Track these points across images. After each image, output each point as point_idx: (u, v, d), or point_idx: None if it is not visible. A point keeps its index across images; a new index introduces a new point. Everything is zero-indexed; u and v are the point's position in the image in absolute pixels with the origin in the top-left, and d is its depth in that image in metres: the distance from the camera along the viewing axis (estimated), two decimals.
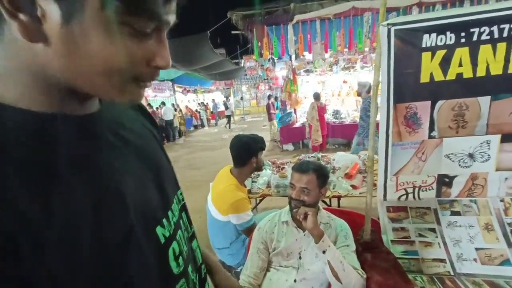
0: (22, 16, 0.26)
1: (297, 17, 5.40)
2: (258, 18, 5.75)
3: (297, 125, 6.80)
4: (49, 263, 0.26)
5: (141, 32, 0.30)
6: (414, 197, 1.28)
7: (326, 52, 6.04)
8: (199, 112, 13.57)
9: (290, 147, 6.88)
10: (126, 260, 0.34)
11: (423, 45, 1.10)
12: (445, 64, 1.10)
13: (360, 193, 2.19)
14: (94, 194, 0.32)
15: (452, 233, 1.21)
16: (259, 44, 5.92)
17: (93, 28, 0.28)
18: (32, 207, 0.26)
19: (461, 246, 1.19)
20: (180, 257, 0.44)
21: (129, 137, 0.42)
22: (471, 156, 1.19)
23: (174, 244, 0.43)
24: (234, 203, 1.54)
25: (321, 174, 1.24)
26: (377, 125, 1.20)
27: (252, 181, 2.54)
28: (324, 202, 2.60)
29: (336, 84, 7.27)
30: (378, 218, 1.40)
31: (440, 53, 1.09)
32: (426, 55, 1.10)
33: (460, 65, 1.08)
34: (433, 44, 1.09)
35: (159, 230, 0.40)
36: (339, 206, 2.57)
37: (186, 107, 13.33)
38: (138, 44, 0.31)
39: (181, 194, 0.53)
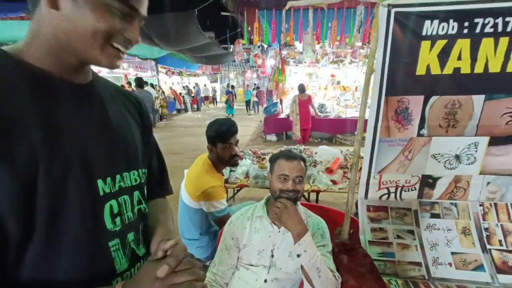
0: None
1: (290, 3, 5.16)
2: (250, 0, 5.46)
3: (282, 116, 6.70)
4: None
5: (120, 13, 0.47)
6: (396, 197, 1.22)
7: (319, 43, 5.90)
8: (183, 96, 13.06)
9: (273, 137, 6.79)
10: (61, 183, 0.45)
11: (424, 33, 0.99)
12: (444, 56, 1.01)
13: (339, 189, 2.14)
14: (50, 132, 0.45)
15: (430, 236, 1.17)
16: (249, 28, 5.65)
17: (90, 3, 0.44)
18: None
19: (437, 250, 1.15)
20: (118, 218, 0.53)
21: (103, 109, 0.55)
22: (457, 157, 1.13)
23: (113, 202, 0.52)
24: (207, 190, 1.42)
25: (305, 162, 1.16)
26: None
27: (230, 170, 2.41)
28: (303, 196, 2.55)
29: (324, 77, 7.21)
30: (356, 215, 1.33)
31: (440, 43, 0.99)
32: (425, 45, 1.01)
33: (459, 58, 1.00)
34: (434, 33, 0.99)
35: (100, 182, 0.50)
36: (317, 200, 2.52)
37: (171, 88, 12.73)
38: (118, 21, 0.47)
39: (140, 175, 0.60)
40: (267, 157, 2.61)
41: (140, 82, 5.61)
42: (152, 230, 0.62)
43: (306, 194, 2.58)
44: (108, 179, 0.52)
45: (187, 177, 1.57)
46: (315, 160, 2.45)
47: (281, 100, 6.84)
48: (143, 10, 0.50)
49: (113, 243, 0.51)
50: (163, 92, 10.95)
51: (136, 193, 0.58)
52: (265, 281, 1.07)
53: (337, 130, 6.30)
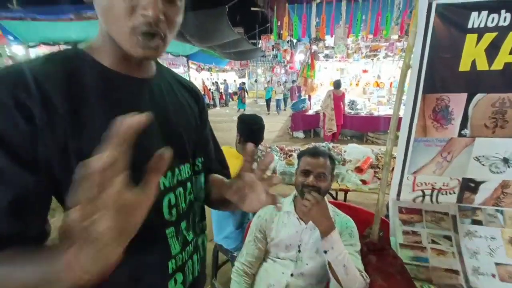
0: None
1: None
2: None
3: (310, 112, 6.58)
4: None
5: None
6: (431, 200, 1.16)
7: (348, 37, 5.67)
8: (212, 92, 13.43)
9: (300, 134, 6.71)
10: None
11: (469, 26, 0.92)
12: (492, 50, 0.93)
13: (369, 189, 2.08)
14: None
15: (470, 244, 1.10)
16: (279, 23, 5.61)
17: None
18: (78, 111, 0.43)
19: (478, 259, 1.07)
20: (174, 209, 0.55)
21: (163, 103, 0.56)
22: (505, 161, 1.04)
23: (171, 196, 0.54)
24: None
25: (333, 160, 1.16)
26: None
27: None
28: (330, 194, 2.50)
29: (355, 72, 6.90)
30: (387, 217, 1.29)
31: (489, 37, 0.92)
32: (470, 38, 0.93)
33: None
34: (482, 25, 0.91)
35: (161, 177, 0.49)
36: (345, 200, 2.47)
37: (203, 83, 13.23)
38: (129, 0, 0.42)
39: (200, 163, 0.64)
40: (295, 154, 2.60)
41: None
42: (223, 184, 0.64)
43: (333, 193, 2.54)
44: (168, 173, 0.53)
45: None
46: (344, 159, 2.39)
47: (309, 96, 6.71)
48: None
49: (169, 231, 0.55)
50: None
51: (189, 185, 0.60)
52: (291, 275, 1.10)
53: (368, 128, 6.02)
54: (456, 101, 1.02)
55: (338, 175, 2.20)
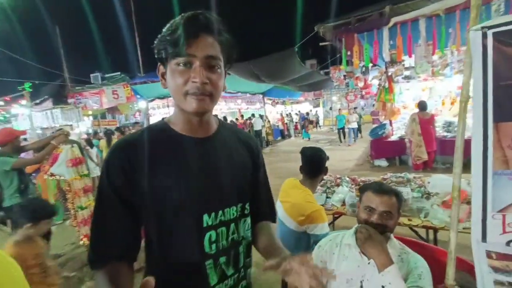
0: (162, 79, 0.66)
1: (395, 19, 4.83)
2: (348, 27, 5.50)
3: (393, 138, 5.97)
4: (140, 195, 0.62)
5: (183, 64, 0.59)
6: None
7: (434, 53, 5.10)
8: (286, 123, 14.02)
9: (383, 162, 6.09)
10: (176, 214, 0.63)
11: None
12: None
13: (464, 228, 1.75)
14: (175, 175, 0.63)
15: None
16: (348, 53, 5.63)
17: (169, 73, 0.62)
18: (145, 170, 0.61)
19: None
20: (214, 244, 0.65)
21: (214, 156, 0.68)
22: None
23: (212, 233, 0.65)
24: (315, 212, 1.53)
25: (400, 198, 1.14)
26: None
27: (327, 197, 2.46)
28: (415, 232, 2.19)
29: (447, 90, 5.97)
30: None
31: None
32: None
33: None
34: None
35: (205, 217, 0.64)
36: (435, 240, 2.11)
37: (281, 115, 14.17)
38: (184, 74, 0.59)
39: (238, 209, 0.71)
40: None
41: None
42: (276, 250, 0.70)
43: (421, 231, 2.21)
44: (212, 214, 0.65)
45: (285, 204, 1.67)
46: (427, 192, 2.11)
47: (390, 122, 6.16)
48: (200, 52, 0.58)
49: (208, 263, 0.64)
50: (269, 121, 12.24)
51: (232, 225, 0.68)
52: None
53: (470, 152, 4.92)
54: None
55: (421, 210, 1.96)
